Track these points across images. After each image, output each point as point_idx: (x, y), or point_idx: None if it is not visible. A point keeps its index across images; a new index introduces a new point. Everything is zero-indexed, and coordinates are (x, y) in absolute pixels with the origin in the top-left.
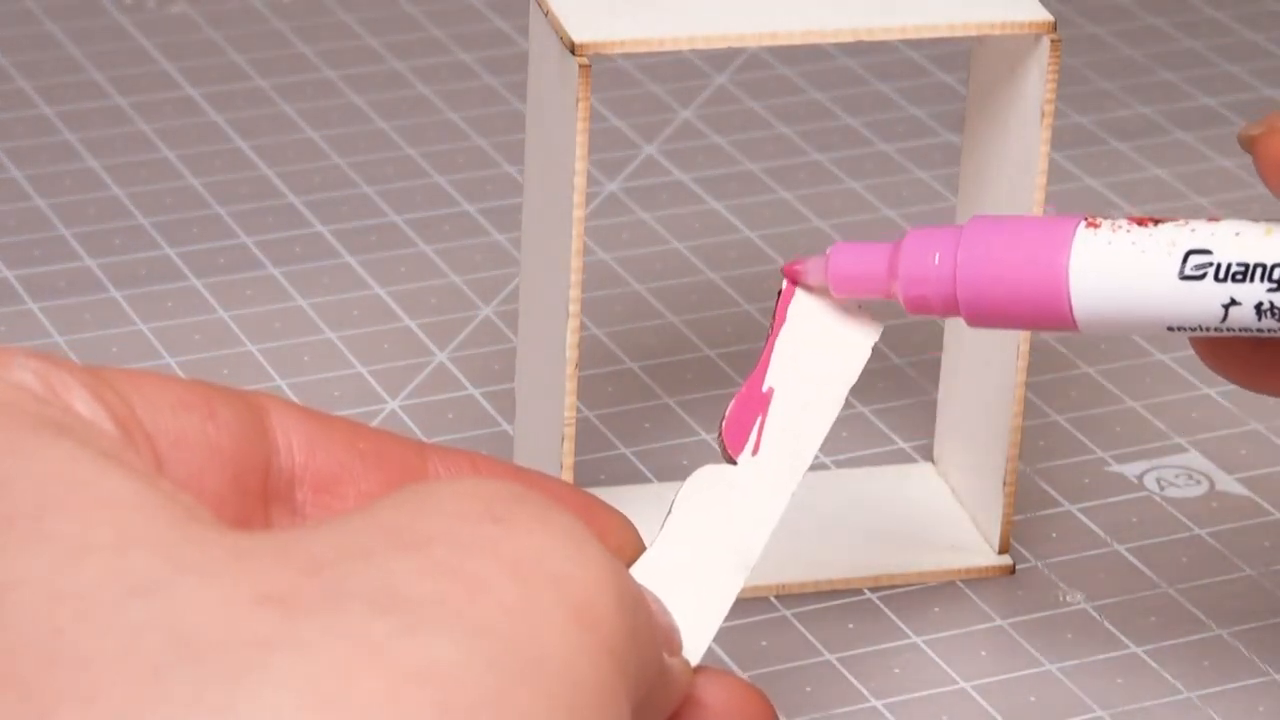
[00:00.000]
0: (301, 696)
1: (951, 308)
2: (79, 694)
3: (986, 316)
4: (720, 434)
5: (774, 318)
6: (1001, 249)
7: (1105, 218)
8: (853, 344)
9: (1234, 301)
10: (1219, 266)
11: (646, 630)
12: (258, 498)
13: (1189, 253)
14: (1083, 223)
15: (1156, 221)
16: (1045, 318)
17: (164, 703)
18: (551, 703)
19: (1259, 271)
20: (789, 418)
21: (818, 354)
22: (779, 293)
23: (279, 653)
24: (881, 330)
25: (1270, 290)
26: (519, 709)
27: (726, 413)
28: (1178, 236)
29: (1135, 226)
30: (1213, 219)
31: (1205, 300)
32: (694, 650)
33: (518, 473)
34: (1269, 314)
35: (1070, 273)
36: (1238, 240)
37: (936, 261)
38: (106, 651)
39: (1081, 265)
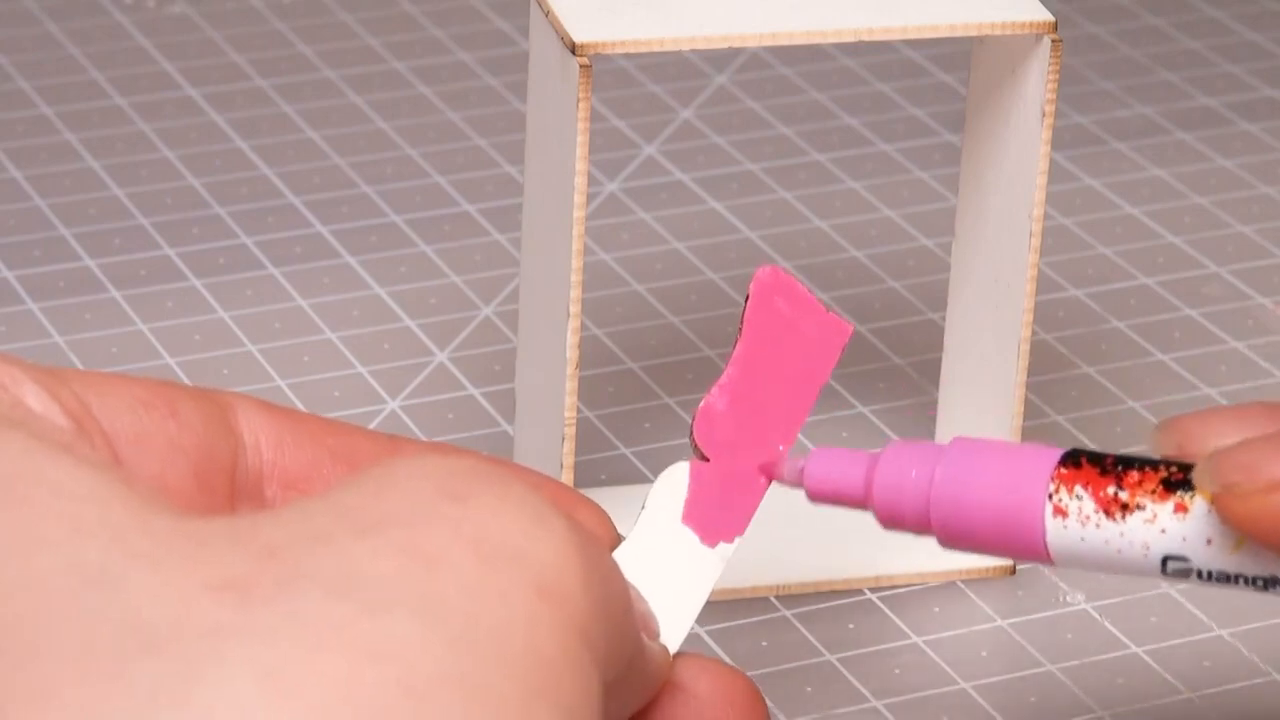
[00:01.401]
0: (261, 684)
1: (926, 530)
2: (32, 689)
3: (962, 547)
4: (691, 433)
5: (741, 324)
6: (977, 497)
7: (1071, 492)
8: (826, 341)
9: (1223, 588)
10: (1199, 572)
11: (619, 604)
12: (224, 495)
13: (1166, 558)
14: (1049, 506)
15: (1124, 506)
16: (1025, 557)
17: (121, 697)
18: (515, 679)
19: (1240, 579)
20: (763, 415)
21: (788, 351)
22: (746, 298)
23: (236, 640)
24: (852, 329)
25: (1258, 590)
26: (482, 685)
27: (697, 412)
28: (1150, 538)
29: (1104, 519)
30: (1180, 509)
31: (1194, 586)
32: (672, 640)
33: (490, 460)
34: (1266, 591)
35: (1050, 550)
36: (1210, 551)
37: (913, 487)
38: (59, 644)
39: (1058, 548)
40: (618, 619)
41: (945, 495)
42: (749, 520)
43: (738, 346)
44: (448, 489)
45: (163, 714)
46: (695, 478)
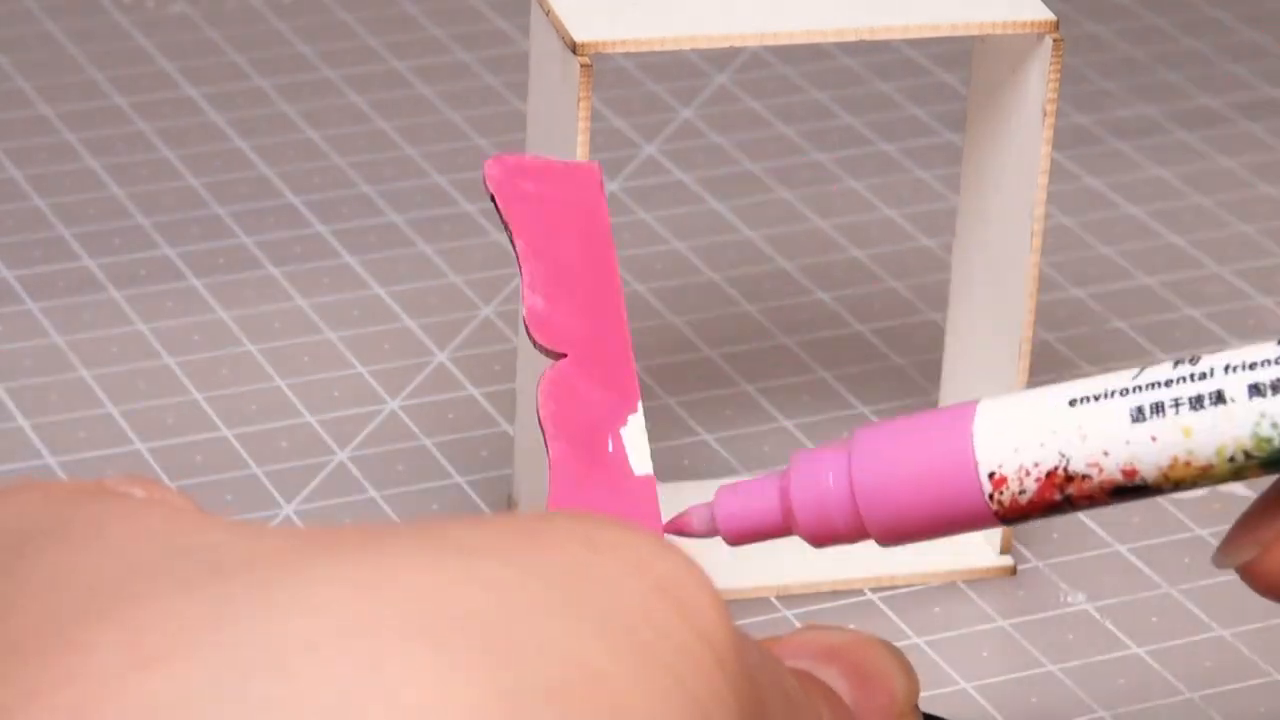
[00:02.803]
0: (338, 585)
1: (861, 535)
2: (117, 605)
3: (901, 535)
4: (534, 342)
5: (503, 224)
6: (903, 474)
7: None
8: (585, 190)
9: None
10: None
11: (766, 665)
12: None
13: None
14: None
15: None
16: (957, 501)
17: (197, 603)
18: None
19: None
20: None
21: (559, 221)
22: (491, 198)
23: (313, 562)
24: (599, 165)
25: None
26: (568, 636)
27: (525, 321)
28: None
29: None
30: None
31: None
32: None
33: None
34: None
35: (976, 449)
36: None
37: (831, 483)
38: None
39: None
40: (764, 683)
41: (870, 486)
42: (636, 389)
43: (515, 245)
44: (582, 533)
45: (241, 611)
46: (562, 384)
